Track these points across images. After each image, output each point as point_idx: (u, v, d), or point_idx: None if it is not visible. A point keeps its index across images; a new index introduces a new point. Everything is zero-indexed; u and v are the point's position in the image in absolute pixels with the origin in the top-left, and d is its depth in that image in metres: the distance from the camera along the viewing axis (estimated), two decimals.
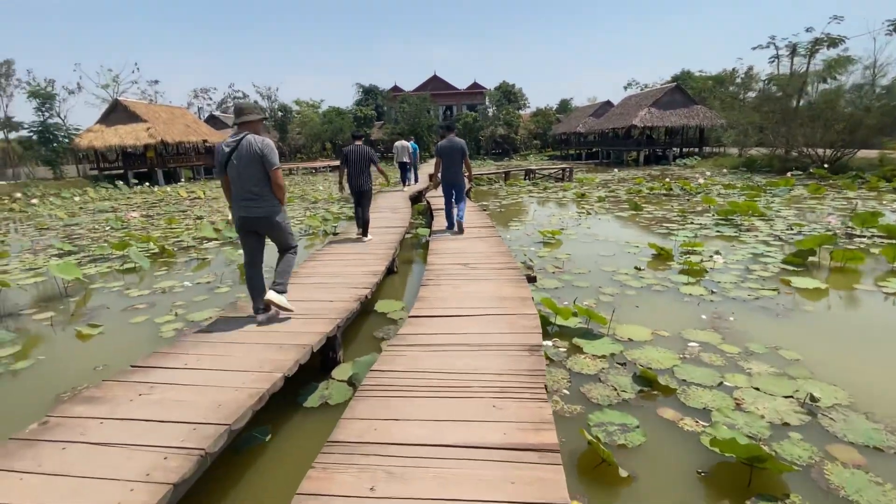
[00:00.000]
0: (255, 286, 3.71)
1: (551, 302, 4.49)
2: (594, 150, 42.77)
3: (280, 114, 52.95)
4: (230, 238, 9.27)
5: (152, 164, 27.73)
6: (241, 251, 5.95)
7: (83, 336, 4.53)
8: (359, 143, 6.88)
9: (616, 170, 26.02)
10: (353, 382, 3.46)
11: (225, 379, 2.72)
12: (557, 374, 3.63)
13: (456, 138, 7.13)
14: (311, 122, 49.06)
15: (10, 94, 24.00)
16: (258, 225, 3.60)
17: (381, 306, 5.25)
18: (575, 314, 4.55)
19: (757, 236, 8.31)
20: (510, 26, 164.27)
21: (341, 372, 3.65)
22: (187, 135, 29.80)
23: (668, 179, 18.31)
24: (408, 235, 9.21)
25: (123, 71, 48.24)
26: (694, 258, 6.89)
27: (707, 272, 6.21)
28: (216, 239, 9.28)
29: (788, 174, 16.68)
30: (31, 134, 24.67)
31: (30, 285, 6.50)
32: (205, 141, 31.84)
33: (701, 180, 15.94)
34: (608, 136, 38.94)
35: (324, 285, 4.69)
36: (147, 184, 25.60)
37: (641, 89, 51.40)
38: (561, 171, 21.97)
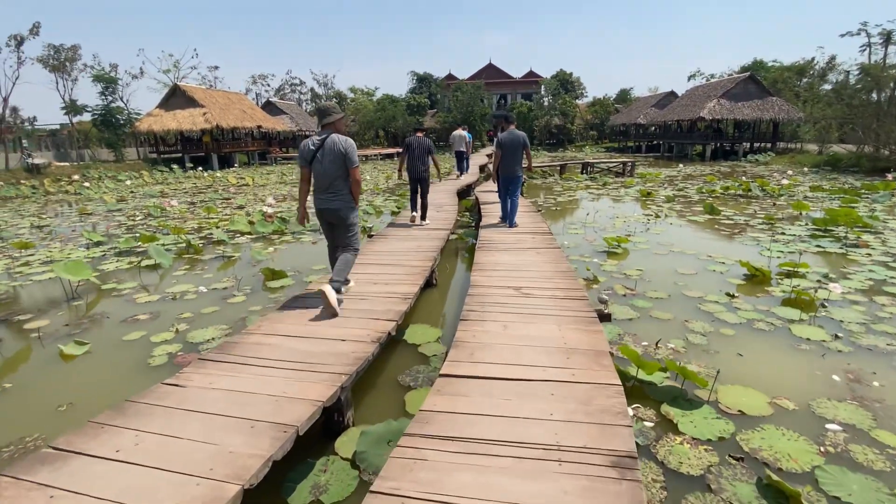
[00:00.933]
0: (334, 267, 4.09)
1: (633, 352, 3.38)
2: (655, 142, 40.09)
3: (334, 100, 53.36)
4: (262, 233, 8.71)
5: (208, 149, 28.34)
6: (269, 249, 7.63)
7: (66, 357, 3.92)
8: (420, 134, 7.52)
9: (681, 165, 23.73)
10: (358, 464, 2.55)
11: (159, 486, 1.86)
12: (644, 469, 2.56)
13: (516, 130, 7.02)
14: (364, 109, 48.97)
15: (75, 77, 24.97)
16: (333, 216, 3.97)
17: (412, 334, 4.33)
18: (664, 369, 3.42)
19: (870, 255, 6.69)
20: (568, 12, 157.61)
21: (347, 442, 2.74)
22: (242, 120, 30.22)
23: (743, 178, 16.21)
24: (452, 237, 8.21)
25: (184, 57, 49.83)
26: (800, 283, 5.48)
27: (821, 306, 4.83)
28: (248, 233, 8.74)
29: (889, 175, 14.18)
30: (95, 117, 25.67)
31: (39, 284, 6.09)
32: (259, 126, 32.25)
33: (784, 181, 13.84)
34: (671, 129, 36.27)
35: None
36: (200, 168, 26.13)
37: (708, 80, 47.57)
38: (621, 166, 20.20)
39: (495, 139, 7.18)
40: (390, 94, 51.02)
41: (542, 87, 50.44)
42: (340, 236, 4.06)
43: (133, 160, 27.38)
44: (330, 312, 3.70)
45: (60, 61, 23.66)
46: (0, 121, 20.86)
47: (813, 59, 35.07)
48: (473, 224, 9.40)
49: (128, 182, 20.64)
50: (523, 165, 7.28)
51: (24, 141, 22.86)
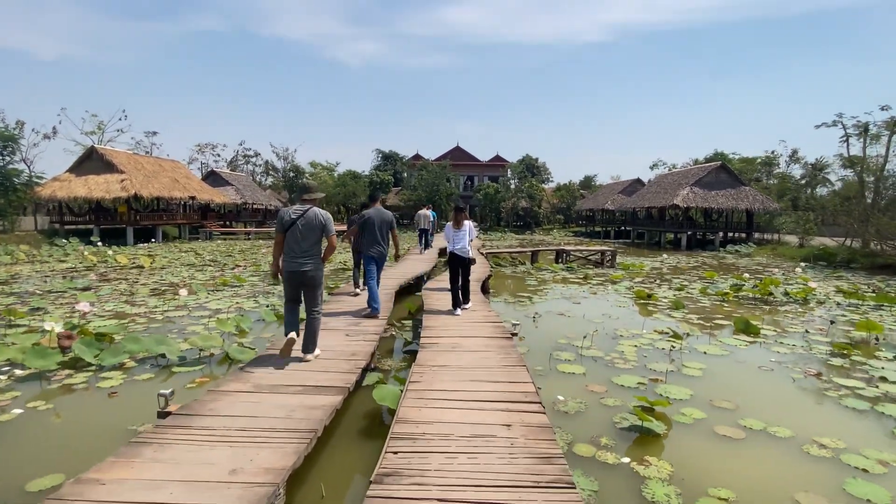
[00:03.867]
0: (291, 321, 4.44)
1: None
2: (623, 228, 39.19)
3: (291, 174, 51.16)
4: (40, 370, 4.86)
5: (123, 220, 24.37)
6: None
7: None
8: (378, 205, 6.73)
9: (665, 255, 21.55)
10: None
11: None
12: None
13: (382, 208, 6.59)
14: (323, 184, 46.79)
15: None
16: (303, 277, 4.32)
17: None
18: None
19: None
20: (534, 104, 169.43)
21: None
22: (171, 190, 26.74)
23: (746, 275, 13.68)
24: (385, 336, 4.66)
25: (111, 119, 46.89)
26: None
27: None
28: (22, 364, 4.84)
29: None
30: None
31: None
32: (192, 197, 28.77)
33: (813, 284, 11.28)
34: (641, 216, 35.33)
35: None
36: (100, 243, 21.79)
37: (671, 169, 48.74)
38: (600, 254, 17.62)
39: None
40: (353, 170, 49.45)
41: (509, 170, 50.36)
42: (308, 297, 4.41)
43: (26, 231, 22.99)
44: (285, 354, 4.21)
45: None
46: None
47: (774, 151, 35.84)
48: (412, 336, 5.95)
49: (4, 257, 16.29)
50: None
51: None
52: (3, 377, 4.68)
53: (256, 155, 54.13)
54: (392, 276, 9.52)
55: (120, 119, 44.79)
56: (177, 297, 8.73)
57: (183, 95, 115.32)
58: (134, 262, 15.08)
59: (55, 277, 11.92)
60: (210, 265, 15.16)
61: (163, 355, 5.16)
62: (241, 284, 11.01)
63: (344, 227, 6.24)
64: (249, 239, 28.77)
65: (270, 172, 55.86)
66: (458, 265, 6.56)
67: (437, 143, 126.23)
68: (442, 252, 17.88)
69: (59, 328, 5.08)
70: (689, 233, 28.63)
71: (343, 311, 6.38)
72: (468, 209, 9.59)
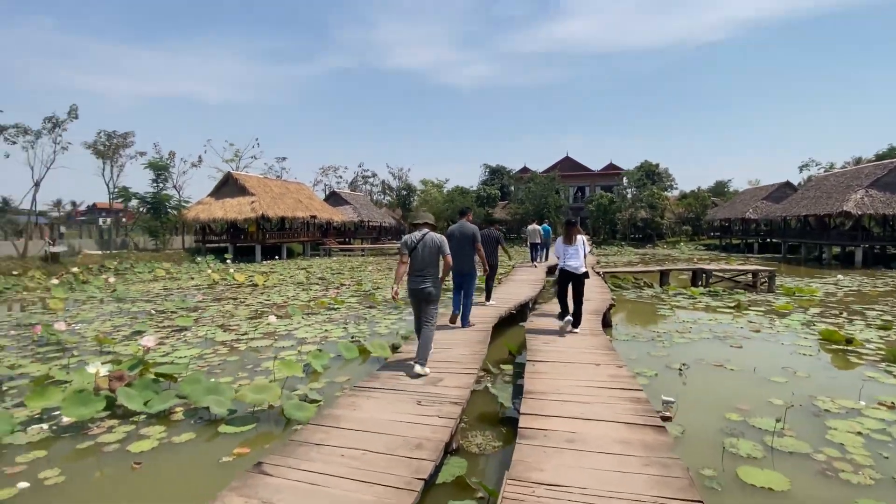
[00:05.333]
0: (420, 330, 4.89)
1: None
2: (768, 240, 33.13)
3: (404, 192, 52.82)
4: (77, 421, 4.38)
5: (253, 239, 26.58)
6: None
7: None
8: (492, 227, 8.13)
9: (839, 275, 16.94)
10: None
11: None
12: None
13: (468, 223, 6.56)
14: (433, 200, 47.43)
15: (122, 164, 24.76)
16: (422, 295, 4.79)
17: None
18: None
19: None
20: (650, 111, 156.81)
21: None
22: (295, 210, 28.60)
23: None
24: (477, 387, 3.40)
25: (246, 147, 52.29)
26: None
27: None
28: (57, 411, 4.44)
29: None
30: (144, 204, 25.06)
31: None
32: (313, 216, 30.54)
33: None
34: (793, 226, 29.32)
35: None
36: (229, 259, 23.93)
37: (826, 170, 40.36)
38: (752, 275, 14.24)
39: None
40: (461, 186, 49.42)
41: (624, 178, 46.05)
42: (425, 312, 4.83)
43: (174, 249, 26.16)
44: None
45: (110, 147, 23.70)
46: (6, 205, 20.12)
47: None
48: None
49: (146, 275, 18.44)
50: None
51: (61, 228, 22.35)
52: (45, 426, 4.21)
53: (374, 175, 57.05)
54: (488, 306, 8.09)
55: (253, 147, 50.24)
56: (268, 323, 8.32)
57: (313, 124, 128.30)
58: (250, 280, 15.76)
59: (176, 296, 12.67)
60: (317, 283, 15.23)
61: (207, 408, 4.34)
62: (338, 307, 10.48)
63: None
64: (363, 255, 29.59)
65: (386, 191, 58.50)
66: (568, 281, 6.24)
67: (545, 156, 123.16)
68: (552, 270, 16.04)
69: (103, 371, 4.57)
70: (864, 246, 22.72)
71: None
72: (579, 222, 7.78)
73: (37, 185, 20.71)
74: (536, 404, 3.55)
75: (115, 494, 3.23)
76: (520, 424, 3.17)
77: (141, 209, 24.43)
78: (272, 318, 7.97)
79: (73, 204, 62.42)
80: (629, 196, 43.06)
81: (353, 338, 7.43)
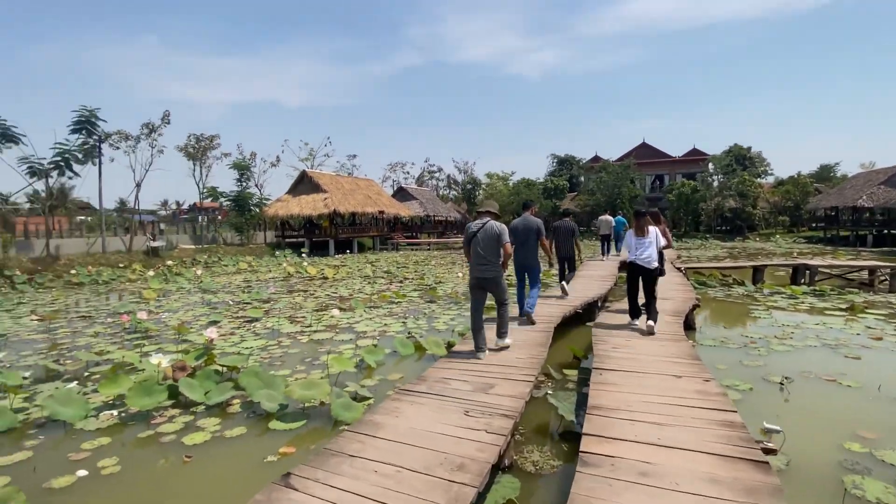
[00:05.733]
0: (477, 326, 4.91)
1: None
2: (886, 231, 28.76)
3: (469, 186, 52.61)
4: (141, 410, 4.57)
5: (326, 234, 27.73)
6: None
7: None
8: (567, 219, 8.28)
9: None
10: None
11: None
12: None
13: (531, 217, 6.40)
14: (497, 193, 46.75)
15: (209, 164, 26.71)
16: (487, 283, 4.89)
17: None
18: None
19: None
20: (739, 90, 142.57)
21: None
22: (364, 206, 29.41)
23: None
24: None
25: (320, 146, 54.41)
26: None
27: None
28: (121, 405, 4.66)
29: None
30: (230, 202, 26.97)
31: None
32: (381, 212, 31.26)
33: None
34: None
35: None
36: (305, 253, 25.18)
37: None
38: (868, 272, 12.27)
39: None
40: (527, 178, 48.19)
41: (710, 164, 42.12)
42: (494, 293, 4.96)
43: (257, 244, 27.94)
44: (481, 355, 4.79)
45: (199, 149, 25.71)
46: (121, 204, 22.32)
47: None
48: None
49: (230, 267, 19.86)
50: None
51: (161, 225, 24.64)
52: (114, 413, 4.42)
53: (439, 170, 57.39)
54: (551, 303, 7.54)
55: (325, 145, 52.40)
56: (331, 316, 8.43)
57: (383, 122, 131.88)
58: (321, 274, 16.33)
59: (254, 287, 13.38)
60: (382, 277, 15.43)
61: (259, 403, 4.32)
62: (399, 301, 10.46)
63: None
64: (429, 249, 29.83)
65: (451, 186, 58.67)
66: (638, 276, 5.86)
67: (618, 144, 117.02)
68: (624, 266, 14.98)
69: (165, 362, 4.72)
70: None
71: (472, 362, 4.70)
72: (657, 212, 7.00)
73: (138, 185, 23.01)
74: (602, 423, 3.05)
75: (162, 489, 3.25)
76: (581, 447, 2.72)
77: (229, 206, 26.40)
78: (335, 312, 8.03)
79: (178, 203, 69.42)
80: (715, 184, 39.39)
81: (409, 333, 7.26)
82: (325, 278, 15.43)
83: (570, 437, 3.73)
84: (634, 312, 6.00)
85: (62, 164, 17.95)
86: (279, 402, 4.35)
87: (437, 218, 41.38)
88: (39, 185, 19.77)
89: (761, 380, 5.06)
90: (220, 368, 5.31)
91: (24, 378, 5.28)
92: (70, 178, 18.63)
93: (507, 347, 4.93)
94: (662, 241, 6.00)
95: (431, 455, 2.66)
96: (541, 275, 6.68)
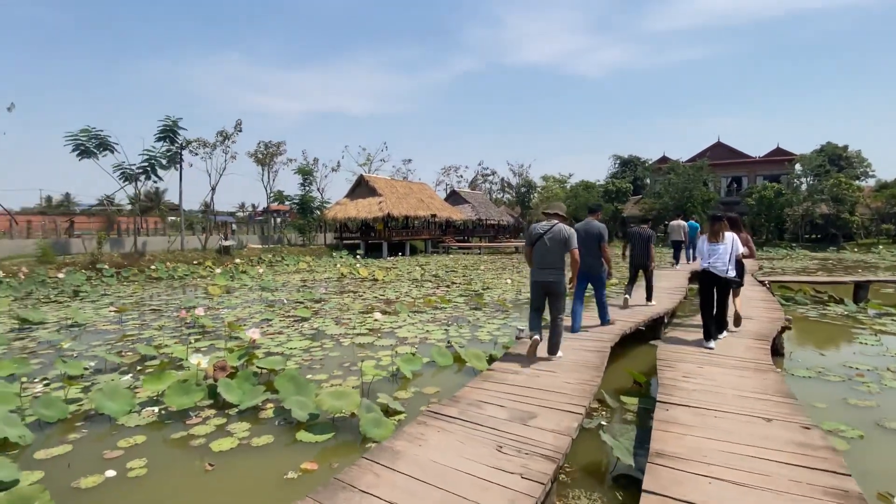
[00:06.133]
0: (535, 325, 4.92)
1: None
2: None
3: (523, 189, 51.50)
4: (180, 409, 4.56)
5: (380, 236, 28.14)
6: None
7: None
8: (645, 226, 8.01)
9: None
10: None
11: None
12: None
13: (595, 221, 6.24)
14: (553, 196, 45.33)
15: (276, 170, 27.95)
16: (548, 287, 4.80)
17: None
18: None
19: None
20: (831, 83, 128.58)
21: None
22: (417, 209, 29.56)
23: None
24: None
25: (377, 151, 55.14)
26: None
27: None
28: (160, 409, 4.69)
29: None
30: (294, 205, 28.11)
31: None
32: (433, 215, 31.28)
33: None
34: None
35: None
36: (359, 254, 25.67)
37: None
38: None
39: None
40: (585, 181, 46.35)
41: (797, 165, 38.18)
42: (552, 304, 4.83)
43: (319, 245, 28.91)
44: (530, 355, 4.80)
45: (267, 155, 27.01)
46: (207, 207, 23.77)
47: None
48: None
49: (291, 267, 20.62)
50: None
51: (233, 226, 26.14)
52: (156, 409, 4.44)
53: (493, 173, 56.74)
54: (615, 316, 6.87)
55: (382, 150, 53.50)
56: (374, 319, 8.28)
57: (440, 127, 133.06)
58: (372, 276, 16.44)
59: (309, 287, 13.67)
60: (430, 280, 15.24)
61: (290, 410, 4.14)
62: (444, 306, 10.16)
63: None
64: (479, 253, 29.43)
65: (505, 189, 57.80)
66: (712, 286, 5.42)
67: (689, 144, 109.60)
68: (692, 277, 13.72)
69: (204, 363, 4.69)
70: None
71: (513, 384, 4.14)
72: (738, 217, 6.23)
73: (213, 189, 24.61)
74: (668, 477, 2.47)
75: (180, 497, 3.12)
76: (646, 481, 2.21)
77: (294, 209, 27.62)
78: (378, 315, 7.89)
79: (253, 206, 74.36)
80: (804, 187, 35.66)
81: (449, 343, 6.91)
82: (376, 280, 15.48)
83: (627, 483, 3.19)
84: (709, 333, 5.38)
85: (148, 168, 19.48)
86: (310, 410, 4.16)
87: (488, 222, 40.81)
88: (130, 189, 21.64)
89: (875, 425, 4.15)
90: (259, 370, 5.25)
91: (86, 369, 5.53)
92: (155, 181, 20.14)
93: (557, 358, 4.78)
94: (742, 249, 5.51)
95: (452, 501, 2.27)
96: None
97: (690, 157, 45.15)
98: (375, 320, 8.29)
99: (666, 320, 7.60)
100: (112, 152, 19.32)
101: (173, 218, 33.46)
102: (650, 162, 49.08)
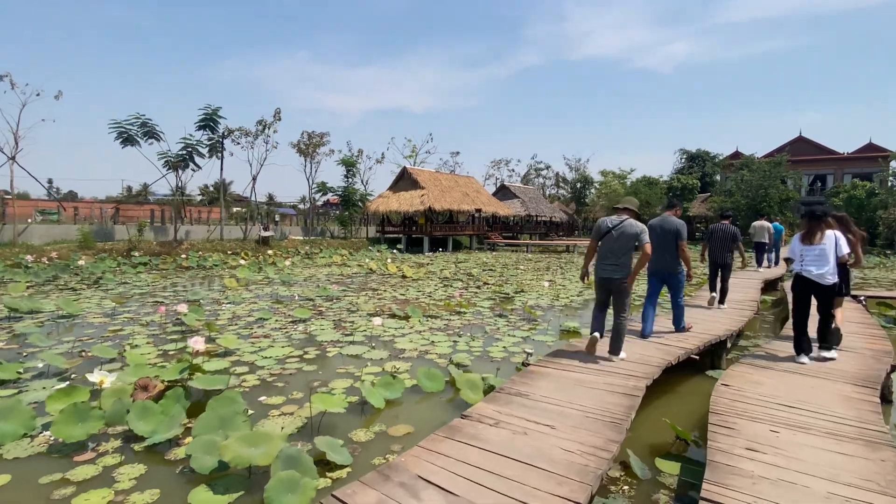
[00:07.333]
0: (597, 323, 4.84)
1: None
2: None
3: (579, 185, 48.84)
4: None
5: (422, 231, 27.28)
6: None
7: None
8: (726, 222, 7.74)
9: None
10: None
11: None
12: None
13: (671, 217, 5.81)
14: (612, 192, 42.46)
15: (318, 161, 27.73)
16: (612, 284, 4.65)
17: None
18: None
19: None
20: None
21: None
22: (461, 203, 28.40)
23: None
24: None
25: (422, 143, 54.05)
26: None
27: None
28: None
29: None
30: (337, 196, 27.87)
31: None
32: (478, 210, 29.98)
33: None
34: None
35: None
36: (398, 248, 24.89)
37: None
38: None
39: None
40: (648, 176, 43.06)
41: (893, 162, 33.17)
42: (616, 303, 4.70)
43: (362, 238, 28.53)
44: (590, 351, 4.68)
45: (310, 146, 26.83)
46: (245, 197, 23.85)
47: None
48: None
49: (324, 259, 20.22)
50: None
51: (276, 216, 26.24)
52: (49, 434, 3.61)
53: (547, 168, 54.39)
54: (657, 339, 5.41)
55: (428, 142, 52.81)
56: (373, 326, 7.25)
57: (500, 122, 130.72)
58: (400, 272, 15.52)
59: (335, 282, 12.95)
60: (461, 280, 14.08)
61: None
62: (464, 311, 8.98)
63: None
64: (527, 251, 27.82)
65: (560, 184, 55.16)
66: (808, 294, 4.76)
67: (764, 140, 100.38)
68: (771, 286, 11.60)
69: (109, 379, 3.82)
70: None
71: (496, 442, 3.03)
72: (845, 217, 5.51)
73: (254, 179, 24.72)
74: None
75: None
76: None
77: (337, 201, 27.45)
78: (377, 321, 6.85)
79: (313, 199, 76.73)
80: None
81: (451, 360, 5.72)
82: (404, 277, 14.54)
83: None
84: (800, 345, 4.75)
85: (187, 156, 19.72)
86: (219, 457, 3.16)
87: (540, 218, 38.87)
88: (172, 178, 22.10)
89: None
90: (200, 387, 4.35)
91: (19, 373, 4.89)
92: (194, 170, 20.36)
93: (619, 359, 4.60)
94: (846, 249, 4.66)
95: None
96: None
97: (767, 152, 40.77)
98: (375, 327, 7.27)
99: (729, 344, 5.99)
100: (157, 140, 19.71)
101: (238, 208, 34.43)
102: (721, 157, 44.97)
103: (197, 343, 4.48)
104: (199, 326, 7.35)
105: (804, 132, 43.00)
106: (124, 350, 5.87)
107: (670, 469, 3.32)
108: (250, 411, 4.08)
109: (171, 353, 5.99)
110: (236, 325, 7.62)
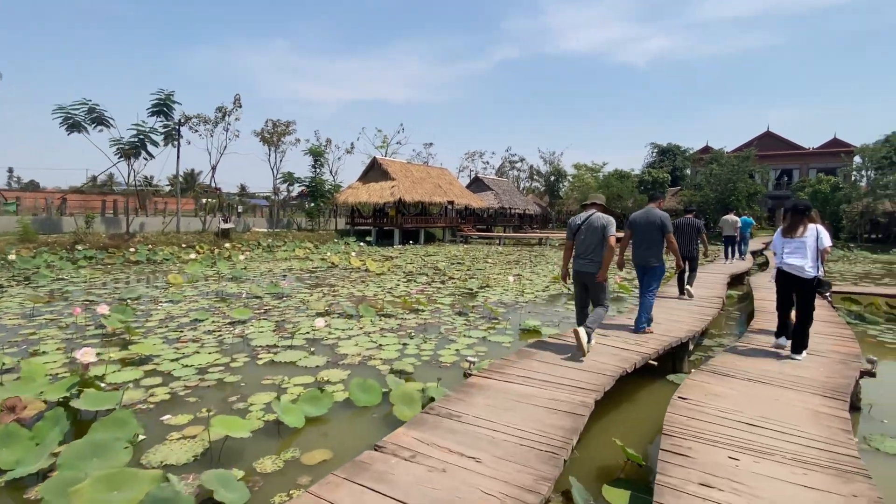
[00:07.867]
0: (583, 318, 4.91)
1: None
2: None
3: (552, 178, 48.85)
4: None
5: (392, 223, 26.62)
6: None
7: None
8: (690, 216, 8.03)
9: None
10: None
11: None
12: None
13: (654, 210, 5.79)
14: (584, 186, 42.57)
15: (283, 150, 26.69)
16: (586, 278, 4.75)
17: None
18: None
19: None
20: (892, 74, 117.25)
21: None
22: (432, 195, 27.83)
23: None
24: None
25: (393, 134, 53.15)
26: None
27: None
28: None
29: None
30: (304, 187, 26.92)
31: None
32: (451, 202, 29.48)
33: None
34: None
35: None
36: (366, 241, 24.19)
37: None
38: None
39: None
40: (619, 169, 43.37)
41: (856, 157, 34.18)
42: (594, 295, 4.80)
43: (330, 230, 27.65)
44: (581, 353, 4.48)
45: (274, 134, 25.76)
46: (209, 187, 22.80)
47: None
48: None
49: (286, 253, 19.38)
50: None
51: (239, 208, 25.15)
52: None
53: (521, 160, 54.24)
54: (605, 342, 5.02)
55: (398, 133, 52.13)
56: (314, 328, 6.66)
57: (476, 114, 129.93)
58: (364, 266, 14.89)
59: (290, 277, 12.25)
60: (426, 274, 13.58)
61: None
62: (422, 308, 8.48)
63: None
64: (499, 244, 27.49)
65: (534, 177, 55.10)
66: (791, 289, 4.78)
67: (735, 135, 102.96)
68: (736, 281, 11.46)
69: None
70: None
71: (393, 481, 2.54)
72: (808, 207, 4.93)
73: (213, 169, 23.60)
74: None
75: None
76: None
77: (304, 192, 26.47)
78: (319, 322, 6.28)
79: (289, 190, 74.71)
80: (864, 181, 31.87)
81: (392, 368, 5.21)
82: (367, 271, 13.94)
83: None
84: (783, 329, 4.99)
85: (138, 144, 18.50)
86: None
87: (514, 210, 38.65)
88: (124, 167, 20.80)
89: None
90: (87, 408, 3.72)
91: None
92: (146, 158, 19.14)
93: (581, 348, 4.49)
94: (828, 243, 4.64)
95: None
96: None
97: (736, 147, 41.48)
98: (316, 329, 6.68)
99: (691, 346, 5.66)
100: (107, 127, 18.45)
101: (206, 199, 32.97)
102: (691, 151, 45.62)
103: (85, 355, 3.83)
104: (122, 329, 6.62)
105: (772, 128, 44.04)
106: (28, 357, 5.15)
107: (617, 500, 2.89)
108: (141, 436, 3.48)
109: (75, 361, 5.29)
110: (166, 327, 6.92)
